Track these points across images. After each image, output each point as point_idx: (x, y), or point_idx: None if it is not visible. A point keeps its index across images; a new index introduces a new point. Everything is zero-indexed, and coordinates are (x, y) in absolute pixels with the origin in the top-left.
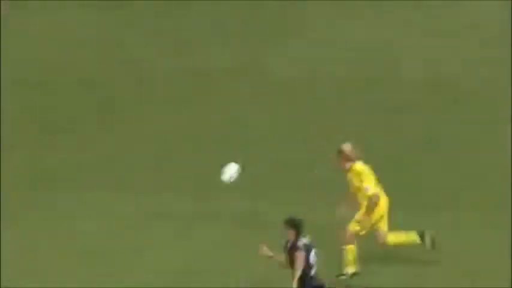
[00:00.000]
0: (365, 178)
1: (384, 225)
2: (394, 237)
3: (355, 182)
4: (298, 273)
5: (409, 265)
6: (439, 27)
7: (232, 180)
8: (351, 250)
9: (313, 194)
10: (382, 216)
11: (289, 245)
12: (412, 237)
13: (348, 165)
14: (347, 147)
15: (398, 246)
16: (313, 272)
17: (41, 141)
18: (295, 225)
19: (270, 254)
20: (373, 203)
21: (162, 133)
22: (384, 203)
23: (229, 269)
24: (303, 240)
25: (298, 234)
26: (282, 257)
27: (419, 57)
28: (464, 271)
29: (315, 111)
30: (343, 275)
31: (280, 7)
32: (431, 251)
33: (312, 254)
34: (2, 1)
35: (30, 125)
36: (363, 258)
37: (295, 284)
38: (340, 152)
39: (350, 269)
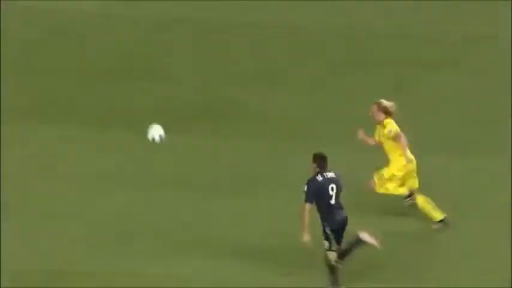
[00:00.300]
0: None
1: (414, 184)
2: (425, 201)
3: (384, 137)
4: None
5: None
6: None
7: (158, 140)
8: (421, 201)
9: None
10: (411, 173)
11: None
12: (437, 213)
13: (382, 117)
14: (389, 103)
15: (420, 210)
16: (333, 201)
17: None
18: (320, 159)
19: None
20: (398, 140)
21: None
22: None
23: None
24: (328, 175)
25: (321, 168)
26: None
27: None
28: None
29: None
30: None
31: None
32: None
33: (332, 185)
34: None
35: None
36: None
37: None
38: (380, 104)
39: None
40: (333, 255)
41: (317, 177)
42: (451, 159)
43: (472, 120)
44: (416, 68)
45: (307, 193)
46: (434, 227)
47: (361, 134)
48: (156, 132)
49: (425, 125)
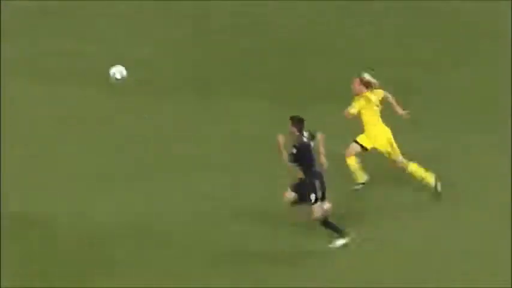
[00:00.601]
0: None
1: (396, 154)
2: (416, 168)
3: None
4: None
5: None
6: None
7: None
8: (351, 160)
9: None
10: (390, 145)
11: (297, 141)
12: (428, 176)
13: (364, 90)
14: (369, 76)
15: (413, 176)
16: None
17: None
18: (298, 121)
19: (282, 145)
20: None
21: None
22: (384, 133)
23: None
24: (306, 135)
25: (300, 130)
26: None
27: None
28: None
29: None
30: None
31: None
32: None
33: (311, 146)
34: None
35: None
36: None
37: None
38: (363, 78)
39: (359, 180)
40: (317, 209)
41: (302, 139)
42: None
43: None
44: None
45: (295, 155)
46: (356, 187)
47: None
48: (117, 70)
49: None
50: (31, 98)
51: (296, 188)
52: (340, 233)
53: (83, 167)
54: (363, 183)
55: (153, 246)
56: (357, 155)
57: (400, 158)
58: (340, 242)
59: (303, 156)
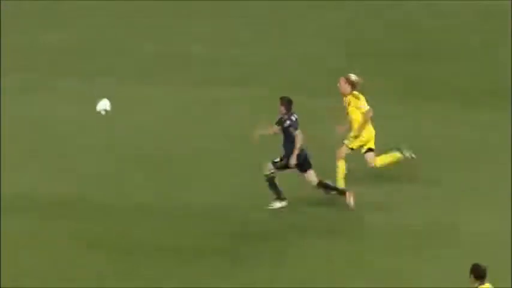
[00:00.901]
0: (362, 101)
1: (372, 146)
2: (380, 160)
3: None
4: (297, 148)
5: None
6: None
7: (103, 111)
8: (341, 165)
9: None
10: (370, 140)
11: (283, 119)
12: (395, 156)
13: (349, 90)
14: (355, 77)
15: (387, 167)
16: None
17: None
18: (287, 102)
19: (265, 132)
20: (367, 118)
21: None
22: (371, 130)
23: None
24: (295, 116)
25: (288, 110)
26: (272, 130)
27: None
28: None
29: None
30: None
31: None
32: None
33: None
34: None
35: None
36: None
37: (294, 159)
38: (348, 78)
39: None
40: (267, 167)
41: (292, 117)
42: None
43: None
44: None
45: (294, 123)
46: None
47: (339, 129)
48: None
49: None
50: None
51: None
52: (279, 196)
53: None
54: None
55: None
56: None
57: (371, 155)
58: (278, 204)
59: (284, 132)
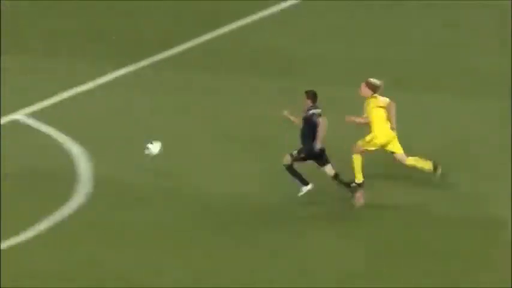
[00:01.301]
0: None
1: (397, 149)
2: (413, 161)
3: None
4: (321, 135)
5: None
6: None
7: (153, 153)
8: (356, 159)
9: None
10: (389, 142)
11: (306, 112)
12: (427, 165)
13: (369, 94)
14: (375, 81)
15: (412, 168)
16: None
17: None
18: (312, 95)
19: (291, 118)
20: (392, 107)
21: None
22: (387, 134)
23: None
24: (318, 110)
25: (313, 103)
26: (297, 120)
27: None
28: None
29: None
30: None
31: None
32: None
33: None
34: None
35: None
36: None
37: (319, 144)
38: (369, 82)
39: (357, 179)
40: (288, 158)
41: (315, 111)
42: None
43: None
44: None
45: (316, 115)
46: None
47: (348, 118)
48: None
49: None
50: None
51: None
52: (303, 181)
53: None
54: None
55: None
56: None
57: (400, 155)
58: (305, 188)
59: (306, 124)
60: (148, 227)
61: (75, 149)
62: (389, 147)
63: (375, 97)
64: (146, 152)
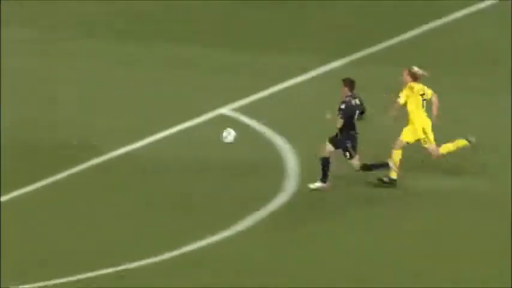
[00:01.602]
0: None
1: (430, 140)
2: (445, 148)
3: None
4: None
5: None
6: None
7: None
8: (396, 154)
9: None
10: (424, 133)
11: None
12: (461, 142)
13: (409, 81)
14: (417, 69)
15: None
16: (355, 123)
17: None
18: (350, 83)
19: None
20: (396, 109)
21: None
22: (423, 121)
23: None
24: (355, 101)
25: (351, 90)
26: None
27: None
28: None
29: None
30: (382, 180)
31: None
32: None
33: (357, 112)
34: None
35: None
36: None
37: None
38: (412, 71)
39: (392, 175)
40: (356, 163)
41: (352, 102)
42: None
43: None
44: None
45: (343, 110)
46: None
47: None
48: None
49: None
50: None
51: (332, 141)
52: (325, 178)
53: None
54: (393, 180)
55: None
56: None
57: (432, 146)
58: (317, 184)
59: (347, 115)
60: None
61: (281, 144)
62: (424, 137)
63: (415, 84)
64: (225, 136)
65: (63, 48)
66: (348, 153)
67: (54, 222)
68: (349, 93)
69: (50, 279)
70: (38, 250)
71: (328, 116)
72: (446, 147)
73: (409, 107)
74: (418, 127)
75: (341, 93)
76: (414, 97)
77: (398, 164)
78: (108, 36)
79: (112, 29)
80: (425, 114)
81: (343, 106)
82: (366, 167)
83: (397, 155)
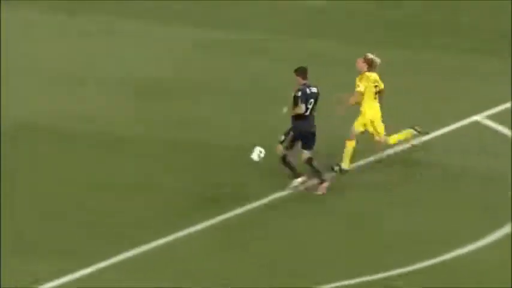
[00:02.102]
0: (367, 81)
1: (380, 131)
2: (396, 138)
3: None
4: (293, 111)
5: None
6: None
7: (259, 158)
8: (349, 144)
9: None
10: (375, 119)
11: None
12: (409, 133)
13: (365, 69)
14: (376, 58)
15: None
16: (307, 112)
17: None
18: (302, 72)
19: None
20: (356, 98)
21: None
22: (374, 112)
23: None
24: (311, 89)
25: (304, 79)
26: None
27: None
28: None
29: None
30: (333, 169)
31: None
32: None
33: (311, 100)
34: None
35: None
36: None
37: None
38: (368, 58)
39: (344, 165)
40: (280, 149)
41: (306, 89)
42: None
43: None
44: None
45: (300, 97)
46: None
47: (339, 111)
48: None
49: None
50: None
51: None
52: (295, 174)
53: None
54: (345, 171)
55: None
56: (357, 137)
57: (382, 138)
58: (297, 181)
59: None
60: None
61: None
62: (373, 127)
63: (370, 73)
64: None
65: None
66: (283, 137)
67: None
68: (303, 82)
69: None
70: None
71: (285, 109)
72: (395, 138)
73: (364, 96)
74: (367, 119)
75: (296, 82)
76: (369, 87)
77: (351, 154)
78: None
79: None
80: (378, 105)
81: (299, 94)
82: (284, 161)
83: (350, 144)
